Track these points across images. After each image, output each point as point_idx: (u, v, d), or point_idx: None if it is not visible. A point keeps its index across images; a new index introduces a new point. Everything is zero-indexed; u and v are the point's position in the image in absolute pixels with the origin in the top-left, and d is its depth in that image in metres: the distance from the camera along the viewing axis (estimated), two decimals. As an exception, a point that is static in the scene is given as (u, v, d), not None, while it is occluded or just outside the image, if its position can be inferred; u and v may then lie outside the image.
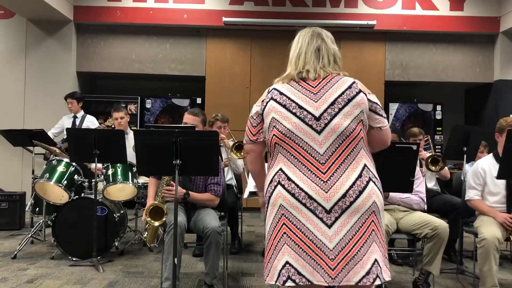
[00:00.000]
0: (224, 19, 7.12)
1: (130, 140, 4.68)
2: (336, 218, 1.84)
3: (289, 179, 1.89)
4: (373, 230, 1.87)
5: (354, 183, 1.86)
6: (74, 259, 4.24)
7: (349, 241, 1.84)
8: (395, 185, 3.09)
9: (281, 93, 1.97)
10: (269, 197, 1.95)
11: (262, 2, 7.28)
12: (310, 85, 1.96)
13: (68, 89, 7.07)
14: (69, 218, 4.29)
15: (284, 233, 1.88)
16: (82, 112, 6.05)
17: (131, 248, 4.79)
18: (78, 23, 7.35)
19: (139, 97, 7.60)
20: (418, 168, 3.66)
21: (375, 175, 1.93)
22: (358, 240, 1.84)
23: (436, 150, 7.15)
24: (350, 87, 1.94)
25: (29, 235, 4.73)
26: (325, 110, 1.90)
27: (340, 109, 1.90)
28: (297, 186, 1.87)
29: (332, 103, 1.90)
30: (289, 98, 1.95)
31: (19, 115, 7.11)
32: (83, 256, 4.22)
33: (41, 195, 4.54)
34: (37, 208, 4.95)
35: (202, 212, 3.50)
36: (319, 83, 1.96)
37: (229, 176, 4.77)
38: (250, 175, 3.53)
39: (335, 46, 2.08)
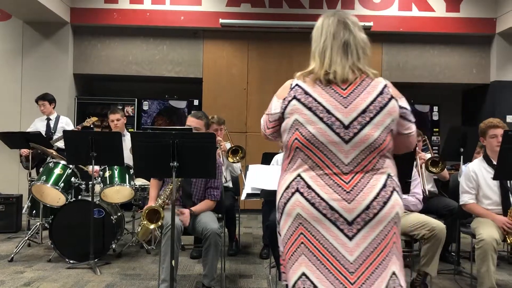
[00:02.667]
0: (221, 20, 7.12)
1: (127, 142, 4.67)
2: (358, 230, 1.74)
3: (309, 187, 1.77)
4: (394, 242, 1.78)
5: (378, 194, 1.75)
6: (71, 261, 4.23)
7: (370, 254, 1.74)
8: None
9: (306, 93, 1.80)
10: (285, 204, 1.82)
11: (259, 4, 7.28)
12: (340, 87, 1.79)
13: (65, 91, 7.08)
14: (66, 221, 4.27)
15: (302, 243, 1.77)
16: (55, 114, 5.99)
17: (129, 250, 4.78)
18: (75, 25, 7.34)
19: (136, 99, 7.58)
20: (415, 169, 3.67)
21: (397, 184, 1.84)
22: (380, 253, 1.75)
23: (434, 151, 7.16)
24: (381, 92, 1.80)
25: (26, 238, 4.71)
26: (355, 119, 1.75)
27: (371, 118, 1.76)
28: (318, 195, 1.75)
29: (363, 111, 1.76)
30: (315, 100, 1.78)
31: (15, 118, 7.09)
32: (80, 259, 4.21)
33: (38, 198, 4.53)
34: (34, 211, 4.94)
35: (201, 214, 3.50)
36: (349, 85, 1.80)
37: (224, 179, 4.76)
38: (247, 176, 3.52)
39: (363, 33, 1.90)
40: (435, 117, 7.64)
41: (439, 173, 4.36)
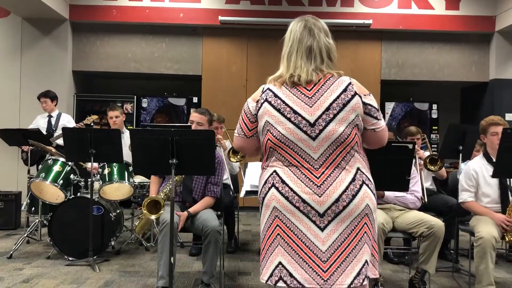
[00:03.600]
0: (220, 18, 7.11)
1: (126, 139, 4.68)
2: (329, 222, 1.87)
3: (283, 182, 1.91)
4: (365, 232, 1.90)
5: (347, 188, 1.87)
6: (70, 258, 4.23)
7: (341, 244, 1.87)
8: (391, 184, 3.08)
9: (275, 96, 1.93)
10: (263, 198, 1.97)
11: (258, 1, 7.27)
12: (305, 88, 1.92)
13: (64, 88, 7.06)
14: (65, 218, 4.28)
15: (278, 234, 1.91)
16: (57, 111, 5.97)
17: (127, 247, 4.78)
18: (74, 22, 7.32)
19: (135, 96, 7.58)
20: (414, 167, 3.67)
21: (368, 177, 1.94)
22: (350, 242, 1.87)
23: (432, 149, 7.17)
24: (345, 89, 1.90)
25: (25, 235, 4.71)
26: (319, 116, 1.88)
27: (335, 115, 1.87)
28: (291, 189, 1.89)
29: (327, 109, 1.88)
30: (283, 102, 1.91)
31: (14, 115, 7.09)
32: (79, 256, 4.21)
33: (37, 195, 4.53)
34: (33, 208, 4.94)
35: (201, 212, 3.51)
36: (314, 86, 1.92)
37: (225, 176, 4.76)
38: (246, 174, 3.53)
39: (329, 39, 2.00)
40: (434, 115, 7.64)
41: (437, 172, 4.37)
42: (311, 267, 1.87)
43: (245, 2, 7.28)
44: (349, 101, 1.88)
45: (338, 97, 1.88)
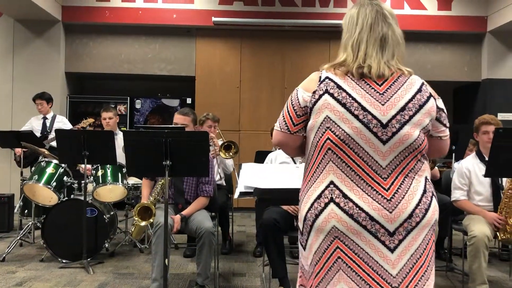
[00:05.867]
0: (213, 19, 7.11)
1: (119, 140, 4.65)
2: (400, 241, 1.59)
3: (345, 196, 1.58)
4: (433, 250, 1.67)
5: (420, 201, 1.60)
6: (64, 261, 4.21)
7: (413, 266, 1.60)
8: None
9: (339, 87, 1.61)
10: (316, 216, 1.62)
11: (251, 2, 7.27)
12: (376, 83, 1.63)
13: (56, 89, 7.02)
14: (59, 220, 4.26)
15: (339, 257, 1.60)
16: (52, 113, 5.94)
17: (122, 249, 4.77)
18: (67, 23, 7.29)
19: (128, 98, 7.56)
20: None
21: (434, 188, 1.71)
22: (422, 264, 1.62)
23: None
24: (420, 90, 1.64)
25: (18, 238, 4.68)
26: (393, 116, 1.59)
27: (410, 117, 1.60)
28: (356, 205, 1.57)
29: (402, 109, 1.60)
30: (350, 95, 1.60)
31: (7, 116, 7.04)
32: (73, 258, 4.19)
33: (30, 197, 4.50)
34: (26, 210, 4.91)
35: (195, 213, 3.51)
36: (385, 81, 1.63)
37: (217, 178, 4.75)
38: (240, 175, 3.52)
39: (399, 28, 1.71)
40: (427, 115, 7.66)
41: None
42: None
43: (239, 3, 7.27)
44: (425, 103, 1.63)
45: (413, 97, 1.62)
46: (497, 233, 3.36)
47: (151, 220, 3.25)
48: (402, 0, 7.30)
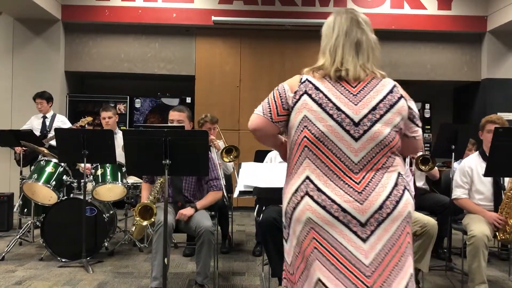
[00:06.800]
0: (213, 18, 7.10)
1: (119, 140, 4.65)
2: (372, 232, 1.68)
3: (319, 190, 1.71)
4: (408, 242, 1.74)
5: (391, 193, 1.71)
6: (63, 260, 4.21)
7: (385, 255, 1.68)
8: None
9: (316, 88, 1.75)
10: (293, 209, 1.75)
11: (251, 1, 7.26)
12: (350, 85, 1.76)
13: (56, 88, 7.01)
14: (58, 219, 4.26)
15: (315, 248, 1.70)
16: (52, 112, 5.95)
17: (121, 248, 4.76)
18: (66, 22, 7.28)
19: (128, 97, 7.56)
20: (407, 167, 3.68)
21: (408, 182, 1.80)
22: (395, 254, 1.70)
23: (425, 148, 7.20)
24: (391, 91, 1.77)
25: (17, 237, 4.68)
26: (365, 115, 1.72)
27: (381, 116, 1.72)
28: (329, 198, 1.69)
29: (374, 108, 1.73)
30: (326, 96, 1.73)
31: (6, 115, 7.03)
32: (72, 257, 4.19)
33: (29, 196, 4.50)
34: (26, 209, 4.90)
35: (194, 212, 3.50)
36: (358, 83, 1.76)
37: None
38: (239, 174, 3.52)
39: (373, 33, 1.86)
40: (427, 115, 7.67)
41: (428, 172, 4.37)
42: (354, 284, 1.66)
43: (238, 2, 7.27)
44: (395, 103, 1.75)
45: (385, 97, 1.75)
46: (497, 233, 3.36)
47: (153, 219, 3.25)
48: (402, 0, 7.29)
